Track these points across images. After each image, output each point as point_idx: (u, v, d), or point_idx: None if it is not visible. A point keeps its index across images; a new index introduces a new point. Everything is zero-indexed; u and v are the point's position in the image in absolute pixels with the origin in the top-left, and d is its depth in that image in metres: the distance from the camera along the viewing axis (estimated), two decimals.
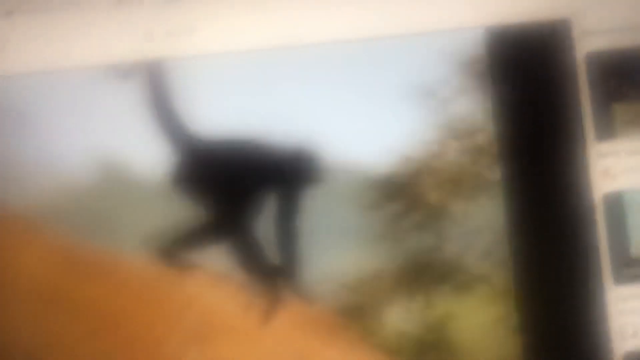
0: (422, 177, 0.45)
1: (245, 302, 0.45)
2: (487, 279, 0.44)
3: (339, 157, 0.45)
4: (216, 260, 0.45)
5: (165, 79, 0.46)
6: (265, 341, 0.44)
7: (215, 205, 0.45)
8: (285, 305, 0.45)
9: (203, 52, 0.46)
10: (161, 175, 0.45)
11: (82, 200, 0.45)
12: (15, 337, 0.44)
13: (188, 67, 0.46)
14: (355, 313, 0.44)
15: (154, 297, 0.45)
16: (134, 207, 0.45)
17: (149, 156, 0.45)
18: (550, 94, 0.45)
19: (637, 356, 0.43)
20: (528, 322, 0.44)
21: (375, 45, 0.45)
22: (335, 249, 0.45)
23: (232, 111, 0.46)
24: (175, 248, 0.45)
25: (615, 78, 0.45)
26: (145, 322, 0.45)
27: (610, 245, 0.44)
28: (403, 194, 0.45)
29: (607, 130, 0.44)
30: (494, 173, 0.45)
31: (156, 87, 0.46)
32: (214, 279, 0.45)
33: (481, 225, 0.44)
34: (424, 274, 0.44)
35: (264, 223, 0.45)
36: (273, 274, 0.45)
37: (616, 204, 0.44)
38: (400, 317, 0.44)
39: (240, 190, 0.45)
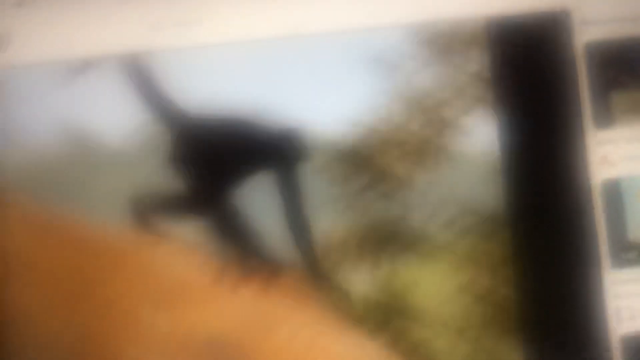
0: (388, 149, 0.46)
1: (214, 270, 0.45)
2: (450, 247, 0.45)
3: (285, 118, 0.46)
4: (186, 229, 0.45)
5: (153, 65, 0.46)
6: (233, 307, 0.45)
7: (200, 178, 0.46)
8: (254, 273, 0.45)
9: (204, 42, 0.46)
10: (131, 142, 0.46)
11: (52, 169, 0.46)
12: None
13: (186, 57, 0.46)
14: (322, 280, 0.45)
15: (126, 264, 0.45)
16: (104, 175, 0.46)
17: (118, 124, 0.46)
18: (550, 83, 0.45)
19: (634, 338, 0.44)
20: (527, 305, 0.44)
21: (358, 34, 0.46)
22: (276, 208, 0.46)
23: (223, 96, 0.46)
24: (151, 214, 0.45)
25: (614, 67, 0.45)
26: (116, 288, 0.45)
27: (607, 230, 0.44)
28: (369, 166, 0.46)
29: (605, 119, 0.45)
30: (459, 143, 0.45)
31: (145, 72, 0.46)
32: (184, 247, 0.45)
33: (445, 195, 0.45)
34: (389, 242, 0.45)
35: (265, 207, 0.46)
36: (249, 248, 0.45)
37: (614, 190, 0.44)
38: (366, 284, 0.45)
39: (226, 166, 0.46)
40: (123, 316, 0.45)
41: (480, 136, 0.45)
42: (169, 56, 0.46)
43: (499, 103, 0.45)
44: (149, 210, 0.45)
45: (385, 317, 0.45)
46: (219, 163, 0.46)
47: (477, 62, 0.46)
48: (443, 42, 0.45)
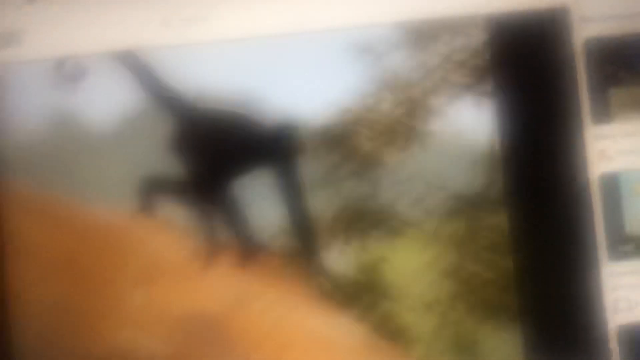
0: (359, 129, 0.46)
1: (192, 247, 0.46)
2: (418, 224, 0.46)
3: (280, 110, 0.46)
4: (167, 206, 0.46)
5: (159, 60, 0.47)
6: (210, 284, 0.46)
7: (199, 166, 0.46)
8: (229, 250, 0.46)
9: (209, 39, 0.47)
10: (131, 127, 0.47)
11: (39, 151, 0.47)
12: None
13: (192, 53, 0.47)
14: (294, 257, 0.46)
15: (106, 241, 0.46)
16: (89, 157, 0.47)
17: (118, 111, 0.47)
18: (549, 79, 0.45)
19: (631, 329, 0.44)
20: (525, 297, 0.45)
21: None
22: (276, 196, 0.46)
23: (223, 87, 0.47)
24: (153, 196, 0.46)
25: (612, 64, 0.45)
26: (94, 264, 0.46)
27: (605, 223, 0.44)
28: (340, 145, 0.46)
29: (603, 114, 0.45)
30: (430, 124, 0.46)
31: (149, 66, 0.47)
32: (164, 225, 0.46)
33: (413, 174, 0.46)
34: (359, 219, 0.46)
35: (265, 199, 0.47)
36: (230, 227, 0.46)
37: (612, 184, 0.45)
38: (336, 260, 0.46)
39: (226, 156, 0.47)
40: (98, 292, 0.46)
41: (458, 120, 0.46)
42: (176, 52, 0.47)
43: (499, 97, 0.46)
44: (152, 191, 0.46)
45: (355, 292, 0.46)
46: (218, 152, 0.47)
47: (462, 51, 0.46)
48: (433, 34, 0.46)
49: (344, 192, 0.46)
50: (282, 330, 0.46)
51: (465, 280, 0.45)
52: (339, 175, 0.46)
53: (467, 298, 0.45)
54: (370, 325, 0.45)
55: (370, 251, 0.46)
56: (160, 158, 0.46)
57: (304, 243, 0.46)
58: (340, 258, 0.46)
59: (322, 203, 0.46)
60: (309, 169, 0.46)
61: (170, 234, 0.46)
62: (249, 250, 0.46)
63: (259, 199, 0.46)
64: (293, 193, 0.46)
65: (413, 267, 0.46)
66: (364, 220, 0.46)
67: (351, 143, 0.46)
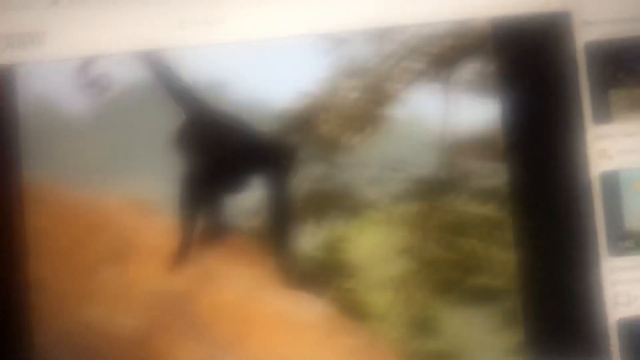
0: (320, 113, 0.47)
1: (161, 225, 0.47)
2: (377, 206, 0.47)
3: (246, 94, 0.47)
4: (140, 185, 0.47)
5: (177, 60, 0.48)
6: (182, 264, 0.47)
7: (198, 164, 0.47)
8: (205, 232, 0.47)
9: (229, 40, 0.47)
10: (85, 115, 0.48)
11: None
12: None
13: (209, 54, 0.48)
14: (259, 237, 0.47)
15: (79, 220, 0.47)
16: (61, 141, 0.48)
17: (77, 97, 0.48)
18: (551, 81, 0.46)
19: (630, 323, 0.45)
20: (527, 292, 0.45)
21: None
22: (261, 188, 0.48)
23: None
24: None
25: (612, 66, 0.46)
26: (63, 241, 0.47)
27: (606, 219, 0.45)
28: (302, 128, 0.47)
29: (604, 114, 0.45)
30: (387, 108, 0.47)
31: (167, 66, 0.48)
32: (136, 203, 0.47)
33: (373, 157, 0.47)
34: (319, 200, 0.47)
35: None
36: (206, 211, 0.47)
37: (612, 182, 0.45)
38: (299, 240, 0.47)
39: (226, 160, 0.48)
40: (65, 269, 0.47)
41: (416, 106, 0.47)
42: (195, 52, 0.48)
43: (503, 97, 0.46)
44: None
45: (318, 271, 0.47)
46: (218, 154, 0.48)
47: (420, 39, 0.47)
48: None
49: (305, 174, 0.47)
50: (247, 308, 0.47)
51: (422, 259, 0.46)
52: (301, 158, 0.47)
53: (424, 276, 0.46)
54: (331, 303, 0.46)
55: (331, 231, 0.47)
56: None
57: (276, 225, 0.47)
58: (302, 238, 0.47)
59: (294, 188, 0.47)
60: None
61: (142, 212, 0.47)
62: (217, 229, 0.47)
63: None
64: (283, 198, 0.47)
65: (372, 247, 0.47)
66: (325, 201, 0.47)
67: (313, 127, 0.47)
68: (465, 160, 0.47)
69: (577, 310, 0.45)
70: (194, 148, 0.47)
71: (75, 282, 0.47)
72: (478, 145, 0.46)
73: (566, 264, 0.45)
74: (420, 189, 0.46)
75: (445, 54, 0.47)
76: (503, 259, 0.46)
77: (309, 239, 0.47)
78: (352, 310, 0.46)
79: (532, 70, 0.46)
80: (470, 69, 0.47)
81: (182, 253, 0.47)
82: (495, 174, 0.46)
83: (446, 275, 0.46)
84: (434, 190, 0.46)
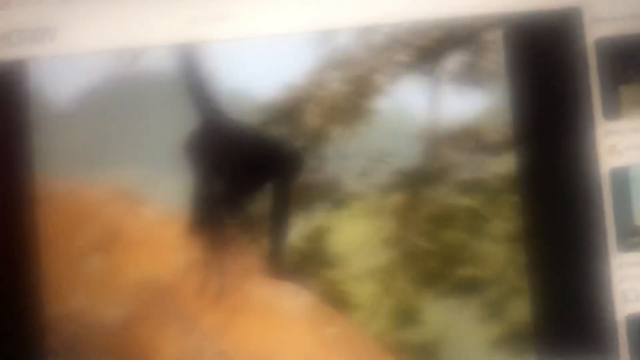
0: (306, 104, 0.47)
1: (146, 215, 0.47)
2: (362, 197, 0.47)
3: (232, 86, 0.47)
4: (128, 175, 0.47)
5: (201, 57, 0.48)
6: (163, 251, 0.47)
7: (203, 175, 0.47)
8: (192, 223, 0.48)
9: (240, 36, 0.47)
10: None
11: None
12: None
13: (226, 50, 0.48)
14: (244, 226, 0.47)
15: (65, 209, 0.47)
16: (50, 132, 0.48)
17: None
18: (561, 77, 0.46)
19: (638, 319, 0.45)
20: (537, 286, 0.45)
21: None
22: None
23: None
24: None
25: (622, 62, 0.46)
26: (55, 232, 0.47)
27: (615, 215, 0.45)
28: (288, 120, 0.47)
29: (614, 110, 0.46)
30: (374, 100, 0.47)
31: (192, 63, 0.48)
32: (122, 193, 0.47)
33: (358, 149, 0.47)
34: (305, 191, 0.47)
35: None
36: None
37: (622, 178, 0.45)
38: (290, 232, 0.47)
39: (242, 173, 0.48)
40: (63, 259, 0.47)
41: (402, 98, 0.47)
42: (212, 48, 0.48)
43: (513, 93, 0.46)
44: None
45: (302, 261, 0.47)
46: (228, 169, 0.48)
47: (407, 32, 0.47)
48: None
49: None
50: (231, 297, 0.47)
51: (408, 250, 0.47)
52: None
53: (409, 267, 0.46)
54: (316, 293, 0.47)
55: (316, 222, 0.47)
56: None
57: (272, 220, 0.47)
58: (291, 230, 0.47)
59: None
60: None
61: (127, 201, 0.48)
62: (202, 219, 0.47)
63: None
64: (283, 199, 0.47)
65: (358, 238, 0.47)
66: (311, 192, 0.47)
67: (299, 119, 0.47)
68: (451, 152, 0.47)
69: (586, 306, 0.45)
70: (206, 156, 0.47)
71: (62, 271, 0.47)
72: (463, 137, 0.47)
73: (575, 260, 0.45)
74: (406, 181, 0.47)
75: (431, 47, 0.47)
76: (489, 250, 0.46)
77: (294, 230, 0.47)
78: (337, 300, 0.46)
79: (542, 66, 0.46)
80: (456, 62, 0.47)
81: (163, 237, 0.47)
82: (482, 166, 0.47)
83: (431, 267, 0.46)
84: (419, 182, 0.47)
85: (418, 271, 0.46)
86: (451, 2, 0.47)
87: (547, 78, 0.46)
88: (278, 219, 0.47)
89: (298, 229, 0.47)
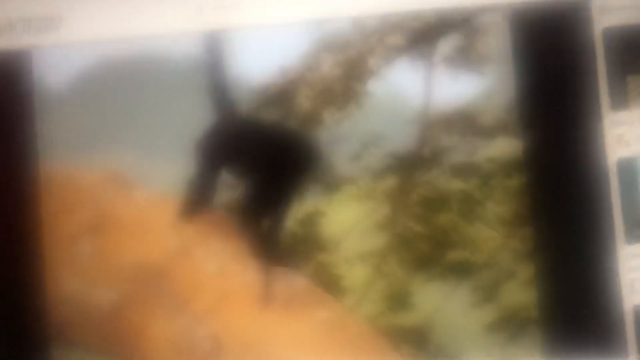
0: (299, 87, 0.47)
1: (140, 200, 0.48)
2: (354, 180, 0.47)
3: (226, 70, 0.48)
4: (121, 160, 0.48)
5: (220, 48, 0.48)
6: (155, 234, 0.48)
7: (209, 172, 0.48)
8: (185, 207, 0.48)
9: (240, 24, 0.48)
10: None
11: None
12: None
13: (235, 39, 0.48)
14: (234, 209, 0.48)
15: (58, 193, 0.48)
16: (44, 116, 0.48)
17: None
18: (569, 67, 0.46)
19: None
20: (544, 277, 0.45)
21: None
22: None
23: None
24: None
25: (630, 52, 0.46)
26: (48, 216, 0.48)
27: (622, 206, 0.45)
28: (281, 103, 0.47)
29: (621, 101, 0.46)
30: (368, 84, 0.47)
31: (214, 55, 0.48)
32: (114, 178, 0.48)
33: (350, 132, 0.47)
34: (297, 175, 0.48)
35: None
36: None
37: (629, 169, 0.45)
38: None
39: (243, 173, 0.48)
40: (55, 242, 0.48)
41: (394, 81, 0.47)
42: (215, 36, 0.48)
43: (520, 83, 0.47)
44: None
45: (294, 244, 0.47)
46: (237, 167, 0.48)
47: (399, 14, 0.47)
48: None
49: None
50: (222, 280, 0.47)
51: (401, 234, 0.47)
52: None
53: (403, 251, 0.46)
54: (309, 276, 0.47)
55: (310, 205, 0.47)
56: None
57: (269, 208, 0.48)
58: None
59: None
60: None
61: (120, 185, 0.48)
62: (193, 202, 0.48)
63: None
64: (287, 187, 0.48)
65: (351, 222, 0.47)
66: (303, 175, 0.48)
67: (293, 102, 0.47)
68: (444, 135, 0.47)
69: (593, 297, 0.45)
70: (221, 152, 0.48)
71: (54, 254, 0.47)
72: (457, 121, 0.47)
73: (582, 251, 0.45)
74: (400, 165, 0.47)
75: (425, 30, 0.47)
76: (482, 234, 0.46)
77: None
78: (330, 284, 0.47)
79: (549, 56, 0.46)
80: (452, 45, 0.47)
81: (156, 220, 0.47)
82: (475, 150, 0.46)
83: (423, 250, 0.46)
84: (412, 166, 0.47)
85: (410, 255, 0.46)
86: None
87: (554, 68, 0.46)
88: (279, 206, 0.47)
89: (292, 213, 0.47)
